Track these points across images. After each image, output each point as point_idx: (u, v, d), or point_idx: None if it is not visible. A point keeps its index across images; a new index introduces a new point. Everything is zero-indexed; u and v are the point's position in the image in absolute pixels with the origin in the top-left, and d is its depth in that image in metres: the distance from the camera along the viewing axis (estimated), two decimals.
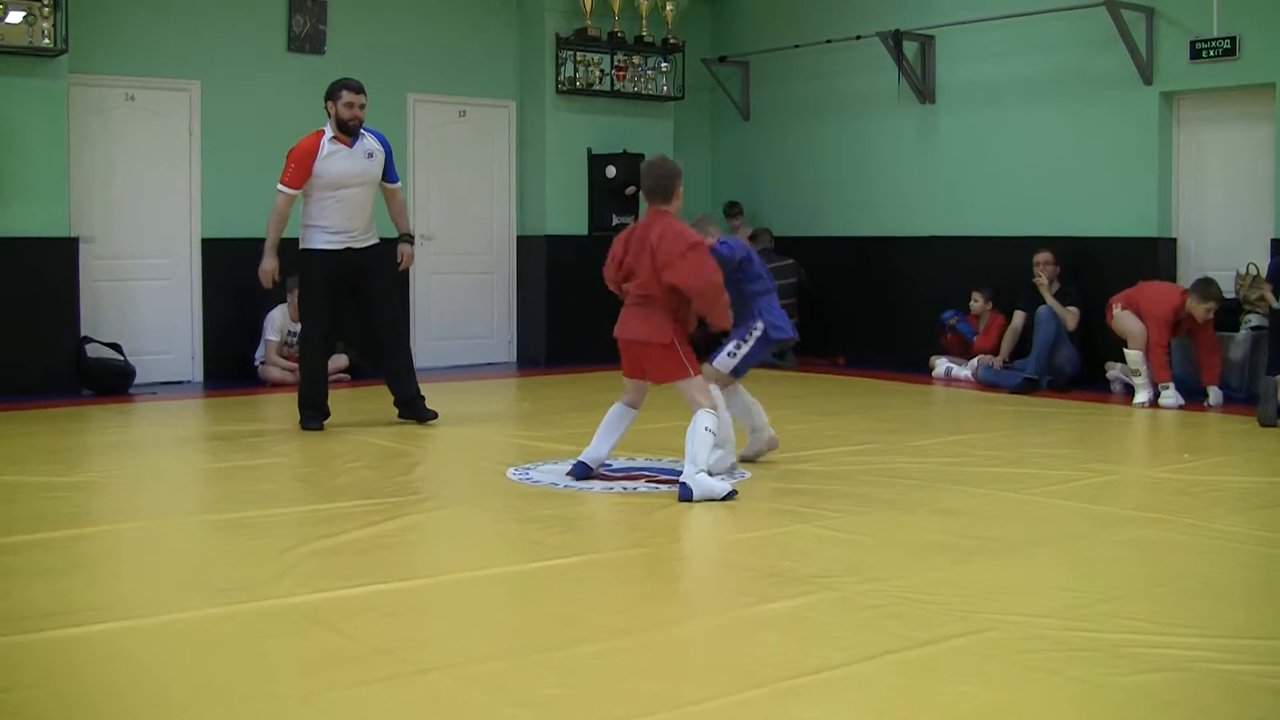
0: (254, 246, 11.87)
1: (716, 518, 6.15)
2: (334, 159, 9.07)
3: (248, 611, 4.64)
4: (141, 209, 11.83)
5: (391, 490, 6.84)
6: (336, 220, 9.11)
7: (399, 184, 9.52)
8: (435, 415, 9.23)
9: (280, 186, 9.08)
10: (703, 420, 6.65)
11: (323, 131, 9.13)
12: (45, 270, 10.96)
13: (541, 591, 5.06)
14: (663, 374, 6.95)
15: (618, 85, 13.86)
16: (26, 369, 10.81)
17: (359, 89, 9.12)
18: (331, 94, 9.10)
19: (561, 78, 13.56)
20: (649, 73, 14.06)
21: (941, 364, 12.26)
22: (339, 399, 9.70)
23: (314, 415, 9.20)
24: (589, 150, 13.79)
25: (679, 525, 6.02)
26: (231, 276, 12.05)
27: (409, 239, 9.59)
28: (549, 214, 13.69)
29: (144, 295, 11.87)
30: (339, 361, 11.52)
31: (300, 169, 9.03)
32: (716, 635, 4.39)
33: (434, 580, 5.16)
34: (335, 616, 4.58)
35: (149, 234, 11.89)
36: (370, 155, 9.21)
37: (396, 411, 9.41)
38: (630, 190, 13.59)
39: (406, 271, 9.74)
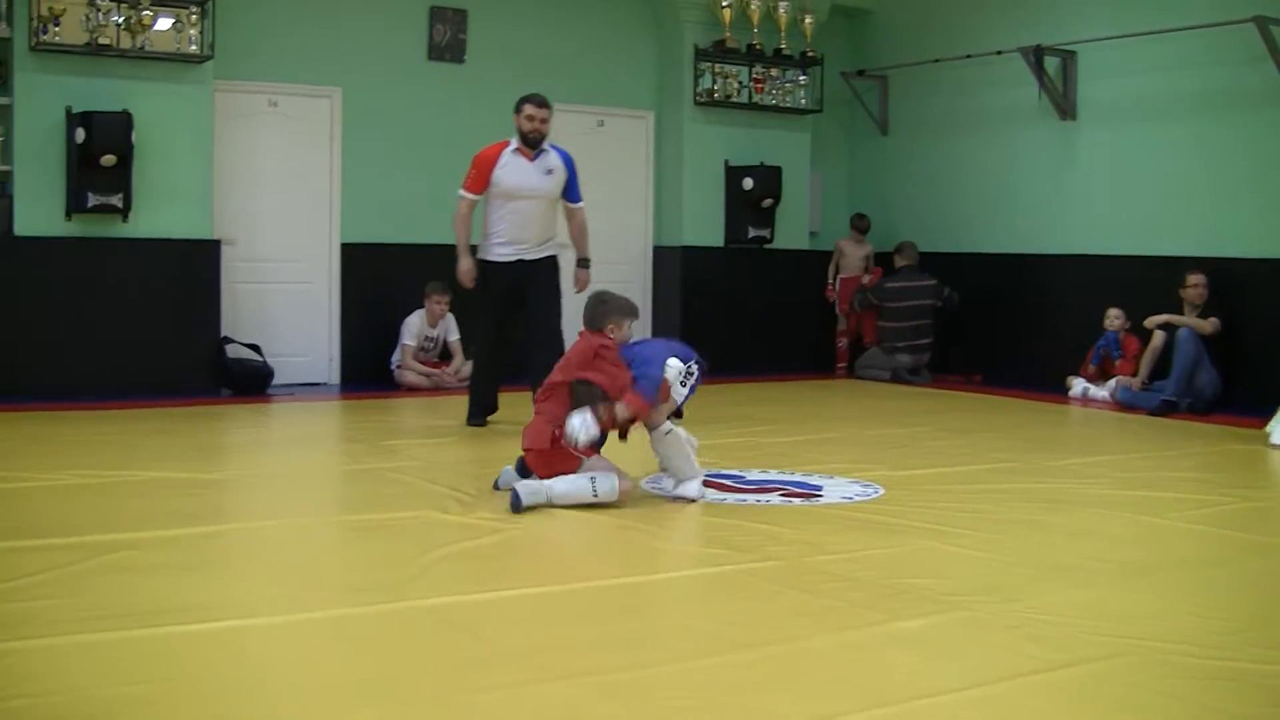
0: (391, 252, 12.23)
1: (849, 532, 6.13)
2: (511, 170, 9.21)
3: (382, 612, 4.69)
4: (282, 213, 12.06)
5: None
6: (508, 231, 9.26)
7: (582, 204, 9.58)
8: None
9: (460, 191, 9.28)
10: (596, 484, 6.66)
11: (508, 142, 9.29)
12: (189, 271, 11.20)
13: (671, 602, 5.08)
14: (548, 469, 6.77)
15: (756, 97, 13.89)
16: (169, 367, 11.05)
17: (541, 103, 9.27)
18: (516, 107, 9.28)
19: (699, 89, 13.61)
20: (787, 85, 14.06)
21: (1078, 384, 12.11)
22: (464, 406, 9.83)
23: (478, 412, 9.52)
24: (726, 162, 13.82)
25: (811, 539, 5.99)
26: (369, 281, 12.30)
27: (586, 263, 9.68)
28: (685, 225, 13.76)
29: (283, 298, 12.10)
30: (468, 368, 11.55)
31: (479, 175, 9.22)
32: (846, 651, 4.35)
33: (566, 588, 5.17)
34: (469, 620, 4.62)
35: (289, 238, 12.12)
36: (550, 171, 9.31)
37: None
38: (767, 203, 13.62)
39: (558, 287, 9.62)
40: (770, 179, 13.67)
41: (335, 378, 12.31)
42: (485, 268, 9.38)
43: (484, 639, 4.42)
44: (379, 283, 12.31)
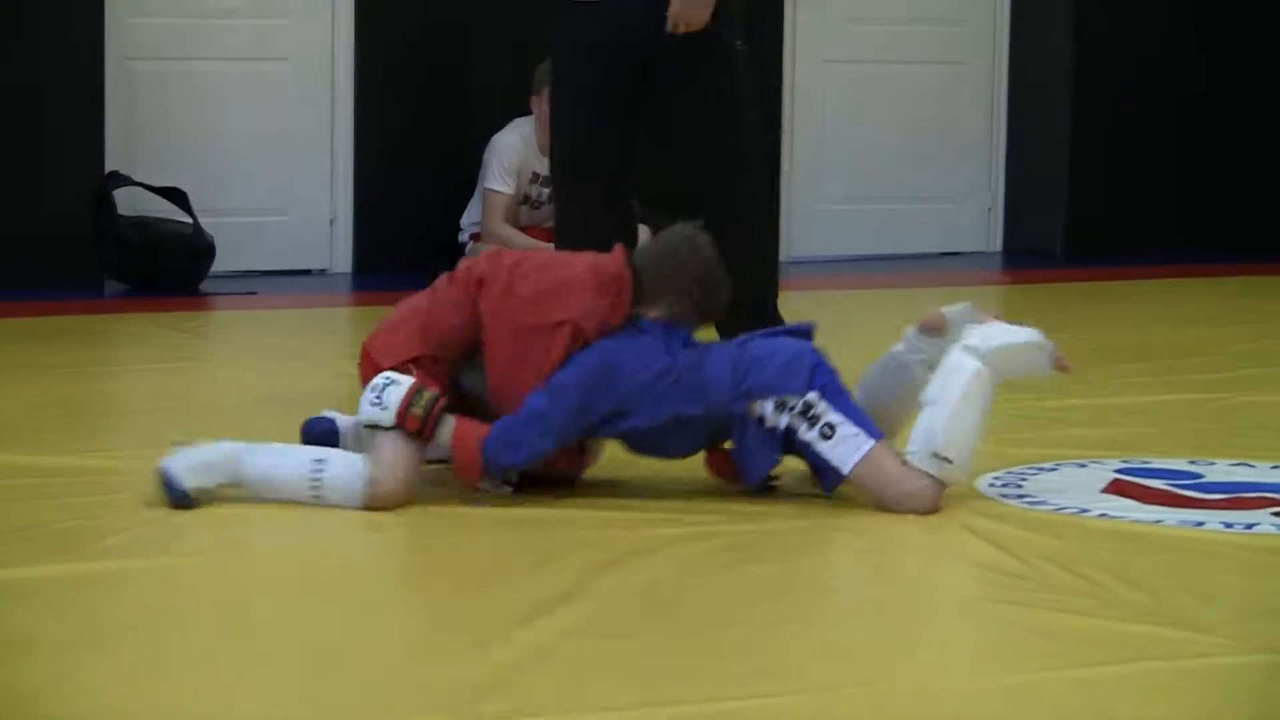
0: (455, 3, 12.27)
1: None
2: None
3: None
4: None
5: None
6: None
7: None
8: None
9: None
10: None
11: None
12: (42, 41, 11.41)
13: None
14: None
15: None
16: (5, 234, 11.33)
17: None
18: None
19: None
20: None
21: None
22: None
23: None
24: None
25: None
26: (415, 63, 12.56)
27: None
28: None
29: (234, 95, 12.34)
30: None
31: None
32: None
33: (871, 689, 5.12)
34: None
35: None
36: None
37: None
38: None
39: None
40: None
41: (344, 259, 12.66)
42: (563, 26, 9.16)
43: None
44: (435, 66, 12.56)
